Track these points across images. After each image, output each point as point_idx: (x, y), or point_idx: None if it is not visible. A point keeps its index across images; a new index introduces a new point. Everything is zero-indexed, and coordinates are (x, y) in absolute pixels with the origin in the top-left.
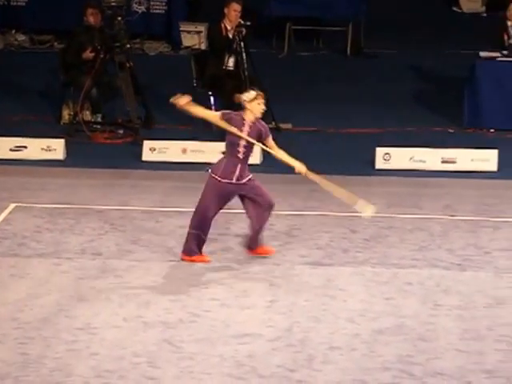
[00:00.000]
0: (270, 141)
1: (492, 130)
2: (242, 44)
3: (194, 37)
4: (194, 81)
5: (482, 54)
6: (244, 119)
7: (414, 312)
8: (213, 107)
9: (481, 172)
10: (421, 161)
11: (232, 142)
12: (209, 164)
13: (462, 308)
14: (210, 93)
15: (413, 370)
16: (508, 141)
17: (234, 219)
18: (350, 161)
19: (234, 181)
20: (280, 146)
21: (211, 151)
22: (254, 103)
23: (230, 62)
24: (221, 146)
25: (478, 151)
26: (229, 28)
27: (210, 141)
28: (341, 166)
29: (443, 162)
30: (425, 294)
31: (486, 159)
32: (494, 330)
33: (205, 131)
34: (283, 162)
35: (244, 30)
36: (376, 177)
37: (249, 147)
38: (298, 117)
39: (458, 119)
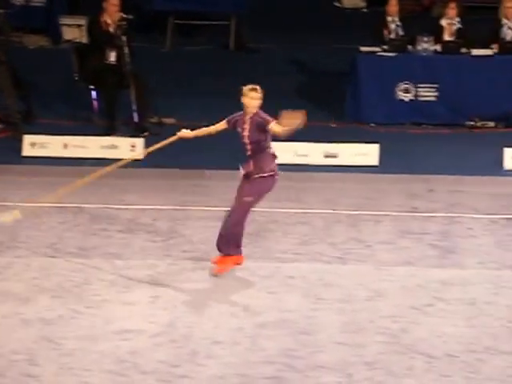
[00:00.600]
0: (274, 124)
1: (373, 125)
2: (124, 38)
3: (74, 30)
4: (75, 75)
5: (363, 48)
6: (244, 116)
7: (297, 306)
8: (94, 102)
9: (362, 166)
10: (303, 155)
11: (242, 142)
12: (89, 159)
13: (343, 301)
14: (92, 87)
15: (295, 364)
16: (389, 135)
17: (117, 215)
18: (237, 155)
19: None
20: (163, 140)
21: (93, 146)
22: (247, 98)
23: (112, 57)
24: (103, 141)
25: (359, 145)
26: (109, 22)
27: (92, 135)
28: (220, 160)
29: (326, 156)
30: (307, 287)
31: (368, 153)
32: (374, 323)
33: (86, 126)
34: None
35: (125, 24)
36: None
37: (254, 143)
38: (181, 111)
39: (339, 114)
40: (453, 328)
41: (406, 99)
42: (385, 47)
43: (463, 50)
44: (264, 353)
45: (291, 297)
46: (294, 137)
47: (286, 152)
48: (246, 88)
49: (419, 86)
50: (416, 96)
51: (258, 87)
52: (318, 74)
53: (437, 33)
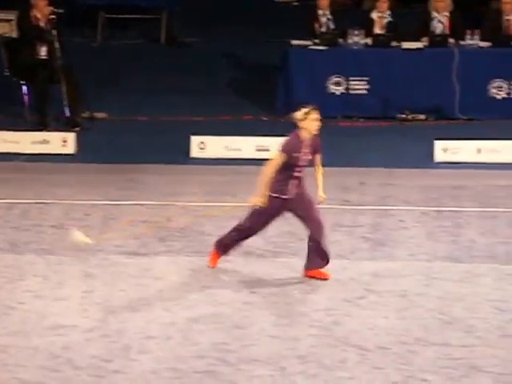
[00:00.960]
0: (318, 157)
1: None
2: (54, 32)
3: (4, 25)
4: (6, 69)
5: (294, 42)
6: (301, 140)
7: (230, 300)
8: (25, 96)
9: None
10: (236, 149)
11: (295, 165)
12: (22, 155)
13: (276, 295)
14: (23, 82)
15: (228, 358)
16: (320, 128)
17: (50, 210)
18: (165, 150)
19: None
20: (95, 134)
21: (24, 141)
22: (307, 121)
23: (42, 51)
24: (34, 136)
25: None
26: (39, 16)
27: (23, 131)
28: (157, 156)
29: (258, 150)
30: (240, 281)
31: None
32: (306, 316)
33: (18, 121)
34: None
35: (55, 19)
36: (191, 165)
37: (306, 165)
38: (112, 106)
39: (271, 107)
40: (384, 320)
41: (338, 92)
42: (316, 41)
43: (394, 44)
44: (197, 347)
45: (224, 291)
46: (226, 131)
47: (218, 146)
48: (303, 111)
49: (350, 79)
50: (347, 89)
51: (313, 105)
52: (250, 68)
53: (367, 26)
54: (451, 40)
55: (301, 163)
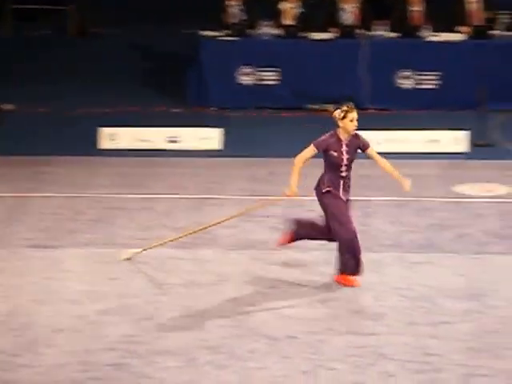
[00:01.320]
0: (372, 151)
1: (215, 109)
2: None
3: None
4: None
5: (205, 33)
6: (340, 139)
7: (140, 291)
8: None
9: (205, 150)
10: (146, 140)
11: (336, 164)
12: None
13: (187, 286)
14: None
15: (138, 349)
16: (231, 119)
17: None
18: (75, 141)
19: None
20: (3, 127)
21: None
22: (345, 121)
23: None
24: None
25: (202, 130)
26: None
27: None
28: (66, 147)
29: (169, 141)
30: (150, 273)
31: (210, 138)
32: (217, 307)
33: None
34: (389, 174)
35: None
36: (101, 157)
37: (350, 165)
38: (20, 98)
39: (182, 98)
40: (294, 310)
41: (248, 83)
42: (226, 31)
43: (303, 34)
44: (106, 339)
45: (134, 282)
46: (137, 122)
47: (128, 137)
48: (342, 110)
49: (261, 70)
50: (258, 80)
51: (351, 104)
52: (161, 59)
53: (277, 17)
54: (360, 31)
55: (344, 163)
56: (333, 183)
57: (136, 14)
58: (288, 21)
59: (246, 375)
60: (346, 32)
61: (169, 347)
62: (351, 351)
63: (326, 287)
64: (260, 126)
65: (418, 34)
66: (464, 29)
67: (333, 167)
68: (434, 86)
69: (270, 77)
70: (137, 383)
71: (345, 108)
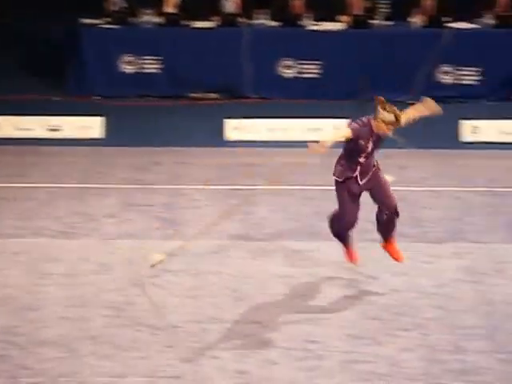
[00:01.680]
0: (403, 115)
1: (97, 97)
2: None
3: None
4: None
5: (85, 21)
6: (372, 130)
7: (20, 281)
8: None
9: (87, 139)
10: (27, 129)
11: (357, 150)
12: None
13: (68, 276)
14: None
15: (18, 341)
16: (113, 108)
17: None
18: None
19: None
20: None
21: None
22: (387, 126)
23: None
24: None
25: (83, 118)
26: None
27: None
28: None
29: (49, 130)
30: (31, 263)
31: (92, 126)
32: (99, 297)
33: None
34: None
35: None
36: None
37: (371, 154)
38: None
39: (63, 87)
40: (177, 299)
41: (130, 71)
42: (107, 19)
43: (185, 23)
44: None
45: (15, 273)
46: (17, 111)
47: (8, 126)
48: (389, 109)
49: (142, 58)
50: (140, 68)
51: (401, 111)
52: (43, 46)
53: (159, 5)
54: (242, 19)
55: (368, 151)
56: (350, 167)
57: (16, 1)
58: (170, 9)
59: (129, 365)
60: (228, 20)
61: (50, 338)
62: (234, 339)
63: (210, 276)
64: (142, 115)
65: (299, 23)
66: (344, 18)
67: (353, 153)
68: (315, 76)
69: (151, 65)
70: (17, 375)
71: (393, 109)
